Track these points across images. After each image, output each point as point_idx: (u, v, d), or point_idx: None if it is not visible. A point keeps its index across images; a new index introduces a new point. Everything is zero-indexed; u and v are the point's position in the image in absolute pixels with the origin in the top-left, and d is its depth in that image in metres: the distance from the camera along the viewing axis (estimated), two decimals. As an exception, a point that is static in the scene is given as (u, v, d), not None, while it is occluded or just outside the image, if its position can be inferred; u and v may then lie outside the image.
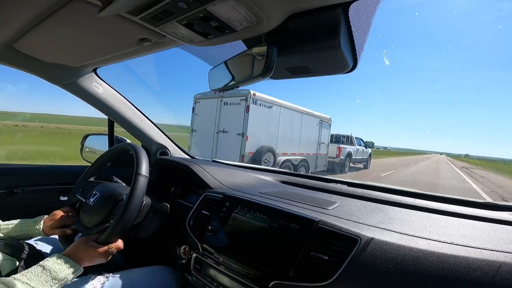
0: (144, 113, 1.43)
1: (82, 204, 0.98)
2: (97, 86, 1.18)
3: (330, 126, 9.69)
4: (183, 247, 0.95)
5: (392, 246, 0.61)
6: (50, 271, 0.70)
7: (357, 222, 0.73)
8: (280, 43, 0.66)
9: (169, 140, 1.55)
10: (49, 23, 0.70)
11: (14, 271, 0.84)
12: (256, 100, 6.63)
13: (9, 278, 0.66)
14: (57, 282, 0.71)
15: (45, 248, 1.04)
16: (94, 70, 1.14)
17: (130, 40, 0.76)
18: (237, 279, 0.77)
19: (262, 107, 6.85)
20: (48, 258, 0.73)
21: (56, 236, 0.99)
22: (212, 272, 0.83)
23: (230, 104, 6.81)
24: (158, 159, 1.36)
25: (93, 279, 0.87)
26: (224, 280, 0.80)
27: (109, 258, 0.84)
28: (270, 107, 7.09)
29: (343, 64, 0.66)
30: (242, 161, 6.61)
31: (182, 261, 0.94)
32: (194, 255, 0.89)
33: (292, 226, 0.74)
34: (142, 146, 1.54)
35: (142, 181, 0.85)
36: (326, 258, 0.64)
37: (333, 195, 1.02)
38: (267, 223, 0.78)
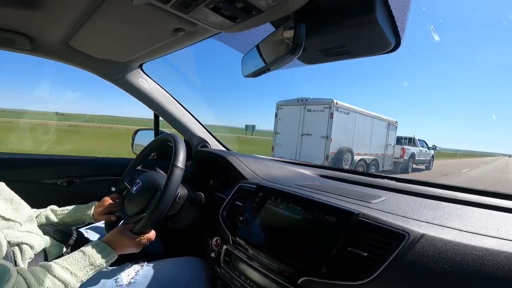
0: (186, 108, 1.48)
1: (127, 192, 1.03)
2: (143, 81, 1.26)
3: (396, 129, 10.59)
4: (215, 239, 0.94)
5: (448, 244, 0.51)
6: (89, 257, 0.74)
7: (405, 217, 0.64)
8: (310, 21, 0.61)
9: (209, 134, 1.58)
10: (95, 18, 0.76)
11: (60, 256, 0.90)
12: (338, 108, 7.92)
13: (50, 262, 0.71)
14: (93, 268, 0.74)
15: (92, 236, 1.10)
16: (140, 66, 1.22)
17: (166, 30, 0.78)
18: (265, 273, 0.73)
19: (342, 114, 8.13)
20: (88, 244, 0.78)
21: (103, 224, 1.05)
22: (241, 265, 0.81)
23: (314, 111, 8.20)
24: (197, 151, 1.40)
25: (129, 268, 0.89)
26: (252, 274, 0.77)
27: (141, 249, 0.85)
28: (348, 113, 8.36)
29: (384, 42, 0.59)
30: (326, 160, 7.87)
31: (213, 253, 0.93)
32: (225, 247, 0.88)
33: (328, 219, 0.67)
34: (185, 140, 1.61)
35: (177, 173, 0.85)
36: (365, 254, 0.57)
37: (379, 190, 0.92)
38: (300, 215, 0.73)
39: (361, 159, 8.78)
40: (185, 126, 1.50)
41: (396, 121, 10.54)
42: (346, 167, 8.11)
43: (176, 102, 1.43)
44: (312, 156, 7.99)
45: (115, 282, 0.82)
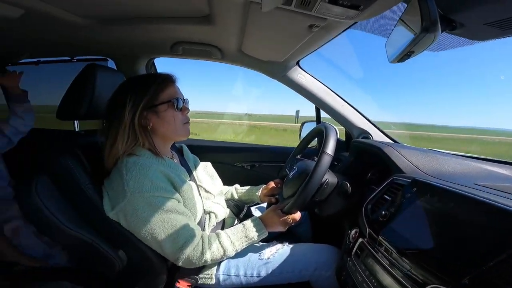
0: (345, 99, 1.47)
1: (287, 177, 1.15)
2: (301, 77, 1.38)
3: None
4: (354, 230, 0.90)
5: None
6: (246, 230, 0.90)
7: None
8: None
9: (371, 125, 1.48)
10: (249, 26, 0.91)
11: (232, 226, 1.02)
12: None
13: (221, 230, 0.91)
14: (247, 240, 0.89)
15: (257, 214, 1.23)
16: (298, 63, 1.35)
17: (302, 28, 0.82)
18: (392, 273, 0.65)
19: None
20: (248, 219, 0.94)
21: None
22: (369, 261, 0.75)
23: None
24: (354, 141, 1.35)
25: (273, 245, 1.00)
26: (378, 271, 0.70)
27: (287, 228, 0.94)
28: None
29: None
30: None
31: (349, 243, 0.90)
32: (360, 240, 0.84)
33: (500, 224, 0.49)
34: (346, 132, 1.60)
35: (325, 159, 0.87)
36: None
37: None
38: (459, 217, 0.58)
39: None
40: (344, 117, 1.49)
41: None
42: None
43: (334, 94, 1.45)
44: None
45: (259, 255, 0.95)
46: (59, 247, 1.22)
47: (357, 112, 1.49)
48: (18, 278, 1.09)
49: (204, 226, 0.97)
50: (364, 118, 1.49)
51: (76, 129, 0.99)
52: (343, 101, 1.47)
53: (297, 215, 0.94)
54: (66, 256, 1.24)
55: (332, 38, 0.93)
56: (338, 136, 1.71)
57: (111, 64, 1.56)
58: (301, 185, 0.90)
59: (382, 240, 0.72)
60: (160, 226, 0.79)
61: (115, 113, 0.85)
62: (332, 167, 1.33)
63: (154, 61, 1.58)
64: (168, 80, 0.91)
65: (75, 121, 1.72)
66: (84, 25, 1.02)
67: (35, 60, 1.66)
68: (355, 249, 0.84)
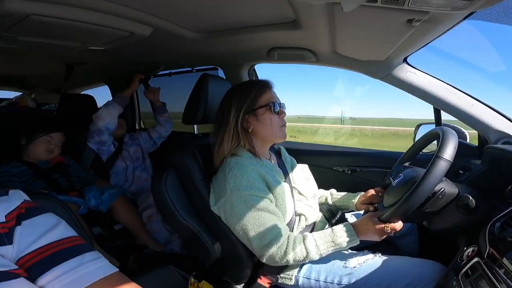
0: (476, 98, 1.15)
1: (389, 185, 1.03)
2: (412, 75, 1.16)
3: None
4: (471, 249, 0.76)
5: None
6: (334, 235, 0.86)
7: None
8: None
9: (519, 129, 1.11)
10: (338, 27, 0.85)
11: None
12: None
13: (308, 233, 0.90)
14: (333, 245, 0.85)
15: (351, 221, 1.18)
16: (405, 60, 1.14)
17: (400, 24, 0.71)
18: None
19: None
20: (340, 224, 0.90)
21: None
22: (481, 283, 0.66)
23: None
24: (487, 147, 1.06)
25: (363, 254, 0.92)
26: None
27: (383, 238, 0.85)
28: None
29: None
30: None
31: (460, 261, 0.77)
32: (476, 259, 0.71)
33: None
34: (478, 136, 1.27)
35: (440, 165, 0.75)
36: None
37: None
38: None
39: None
40: (476, 118, 1.18)
41: None
42: None
43: (461, 93, 1.16)
44: None
45: (344, 263, 0.90)
46: (177, 234, 1.48)
47: (495, 112, 1.15)
48: (145, 260, 1.42)
49: (293, 227, 0.99)
50: (505, 119, 1.14)
51: (195, 132, 1.20)
52: (474, 100, 1.16)
53: (398, 225, 0.84)
54: (180, 244, 1.50)
55: (446, 31, 0.74)
56: (468, 141, 1.38)
57: (221, 72, 1.76)
58: (407, 192, 0.79)
59: (506, 262, 0.62)
60: (251, 222, 0.85)
61: (222, 117, 0.96)
62: (456, 176, 1.10)
63: (255, 67, 1.68)
64: (265, 86, 0.98)
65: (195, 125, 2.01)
66: (196, 38, 1.19)
67: (167, 72, 2.06)
68: (466, 268, 0.72)
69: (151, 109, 1.95)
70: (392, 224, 0.83)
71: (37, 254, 0.41)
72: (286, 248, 0.85)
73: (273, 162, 1.04)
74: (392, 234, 0.84)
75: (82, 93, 2.70)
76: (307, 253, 0.86)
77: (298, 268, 0.94)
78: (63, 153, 1.63)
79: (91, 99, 2.09)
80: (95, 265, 0.43)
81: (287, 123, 1.01)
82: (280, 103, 0.98)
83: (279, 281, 0.97)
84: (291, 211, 0.97)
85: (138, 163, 1.81)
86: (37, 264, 0.40)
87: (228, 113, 0.94)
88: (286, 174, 1.04)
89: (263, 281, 0.97)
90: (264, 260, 0.88)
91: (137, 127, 2.44)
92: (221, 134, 0.96)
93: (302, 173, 1.16)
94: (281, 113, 0.98)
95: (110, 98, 2.53)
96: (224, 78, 1.69)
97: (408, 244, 1.19)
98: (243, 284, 1.06)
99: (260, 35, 1.12)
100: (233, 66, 1.62)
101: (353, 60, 1.20)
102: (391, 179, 1.03)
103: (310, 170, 1.20)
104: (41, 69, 2.10)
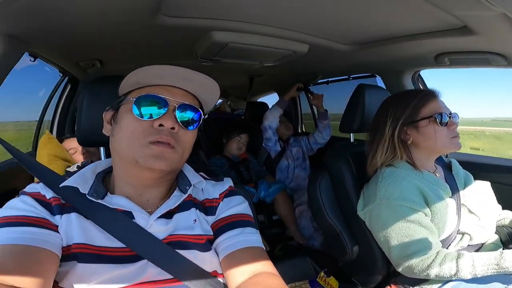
0: None
1: None
2: None
3: None
4: None
5: None
6: (502, 258, 0.74)
7: None
8: None
9: None
10: None
11: None
12: None
13: (467, 251, 0.81)
14: (496, 268, 0.74)
15: None
16: None
17: None
18: None
19: None
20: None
21: None
22: None
23: None
24: None
25: None
26: None
27: None
28: None
29: None
30: None
31: None
32: None
33: None
34: None
35: None
36: None
37: None
38: None
39: None
40: None
41: None
42: None
43: None
44: None
45: (506, 286, 0.76)
46: (320, 232, 1.61)
47: None
48: (288, 249, 1.60)
49: (449, 244, 0.91)
50: None
51: (352, 140, 1.26)
52: None
53: None
54: (320, 241, 1.62)
55: None
56: None
57: (379, 79, 1.70)
58: None
59: None
60: (396, 232, 0.85)
61: (377, 127, 0.96)
62: None
63: (420, 73, 1.50)
64: (428, 95, 0.91)
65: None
66: (350, 50, 1.25)
67: (325, 80, 2.19)
68: None
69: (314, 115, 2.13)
70: None
71: (223, 221, 0.63)
72: (432, 263, 0.80)
73: (438, 176, 0.95)
74: None
75: (258, 100, 3.33)
76: (457, 271, 0.79)
77: (441, 284, 0.86)
78: (246, 150, 2.06)
79: (265, 106, 2.56)
80: (251, 236, 0.62)
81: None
82: (450, 114, 0.90)
83: None
84: (452, 228, 0.89)
85: (298, 162, 2.03)
86: (220, 227, 0.63)
87: (383, 124, 0.93)
88: (455, 189, 0.95)
89: None
90: (399, 269, 0.87)
91: (299, 130, 2.77)
92: (375, 145, 0.96)
93: (478, 191, 1.00)
94: (450, 124, 0.89)
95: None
96: (382, 86, 1.61)
97: None
98: None
99: (422, 42, 1.04)
100: (393, 73, 1.53)
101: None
102: None
103: (493, 189, 1.02)
104: (233, 81, 2.77)
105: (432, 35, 0.96)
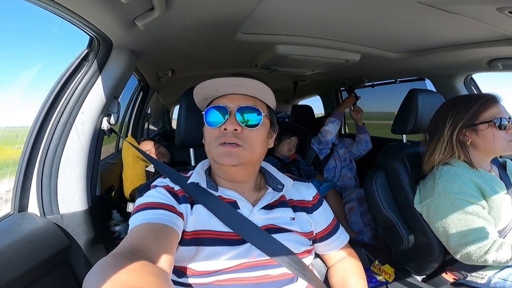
0: None
1: None
2: None
3: None
4: None
5: None
6: None
7: None
8: None
9: None
10: None
11: None
12: None
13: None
14: None
15: None
16: None
17: None
18: None
19: None
20: None
21: None
22: None
23: None
24: None
25: None
26: None
27: None
28: None
29: None
30: None
31: None
32: None
33: None
34: None
35: None
36: None
37: None
38: None
39: None
40: None
41: None
42: None
43: None
44: None
45: None
46: (370, 227, 1.71)
47: None
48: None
49: (505, 235, 0.96)
50: None
51: (404, 141, 1.31)
52: None
53: None
54: (370, 235, 1.71)
55: None
56: None
57: (428, 83, 1.74)
58: None
59: None
60: (455, 222, 0.92)
61: (436, 128, 1.01)
62: None
63: (473, 76, 1.52)
64: (490, 101, 0.95)
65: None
66: (400, 58, 1.33)
67: (370, 84, 2.25)
68: None
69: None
70: None
71: (322, 232, 0.78)
72: (489, 249, 0.86)
73: (493, 174, 1.00)
74: None
75: (299, 103, 3.44)
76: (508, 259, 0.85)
77: (497, 270, 0.93)
78: (295, 151, 2.17)
79: (310, 109, 2.65)
80: (343, 236, 0.81)
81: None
82: (510, 118, 0.94)
83: (467, 278, 0.98)
84: (508, 220, 0.94)
85: (345, 163, 2.13)
86: (321, 238, 0.78)
87: (442, 125, 0.98)
88: (509, 186, 1.00)
89: (449, 276, 1.01)
90: (457, 257, 0.93)
91: (342, 132, 2.86)
92: (433, 144, 1.01)
93: None
94: (509, 128, 0.93)
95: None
96: (432, 89, 1.66)
97: None
98: (424, 276, 1.13)
99: (475, 50, 1.09)
100: (444, 77, 1.57)
101: None
102: None
103: None
104: (277, 85, 2.90)
105: (485, 44, 1.02)
